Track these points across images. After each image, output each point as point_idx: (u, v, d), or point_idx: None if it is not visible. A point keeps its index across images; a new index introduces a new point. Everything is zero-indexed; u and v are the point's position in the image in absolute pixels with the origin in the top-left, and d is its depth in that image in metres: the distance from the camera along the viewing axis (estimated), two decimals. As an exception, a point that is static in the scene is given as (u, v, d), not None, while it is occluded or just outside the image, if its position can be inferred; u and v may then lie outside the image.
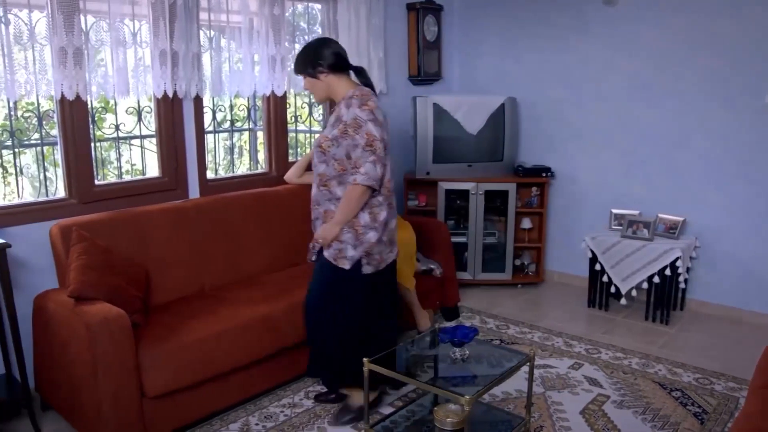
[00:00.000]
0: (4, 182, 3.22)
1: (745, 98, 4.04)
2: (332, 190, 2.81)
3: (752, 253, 4.18)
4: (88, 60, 3.14)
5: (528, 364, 2.71)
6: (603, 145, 4.72)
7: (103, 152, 3.61)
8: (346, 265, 2.79)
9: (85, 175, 3.29)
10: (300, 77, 2.94)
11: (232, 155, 4.20)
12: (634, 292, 4.29)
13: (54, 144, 3.29)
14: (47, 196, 3.28)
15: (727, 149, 4.17)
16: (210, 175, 3.90)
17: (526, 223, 4.92)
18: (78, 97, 3.11)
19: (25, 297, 2.99)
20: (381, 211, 2.80)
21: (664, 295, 4.18)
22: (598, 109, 4.70)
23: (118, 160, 3.63)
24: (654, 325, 4.21)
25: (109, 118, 3.54)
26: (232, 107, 4.08)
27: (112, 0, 3.18)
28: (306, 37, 4.27)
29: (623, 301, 4.33)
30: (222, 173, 4.10)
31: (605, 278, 4.37)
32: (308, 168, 3.64)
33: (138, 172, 3.72)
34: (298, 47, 4.18)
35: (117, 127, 3.52)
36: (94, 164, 3.36)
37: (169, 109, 3.57)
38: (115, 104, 3.51)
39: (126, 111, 3.56)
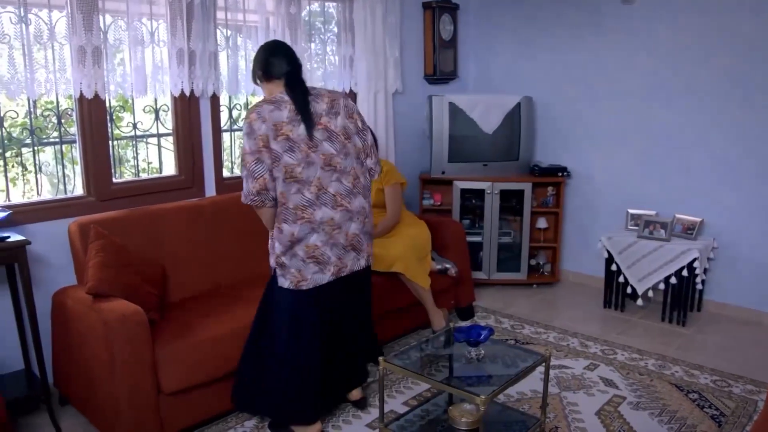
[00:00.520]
0: (23, 180, 3.25)
1: (764, 97, 4.00)
2: None
3: (771, 254, 4.13)
4: (106, 59, 3.17)
5: (543, 364, 2.70)
6: (619, 145, 4.69)
7: (120, 150, 3.64)
8: (271, 272, 2.74)
9: (103, 173, 3.32)
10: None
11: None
12: (650, 293, 4.26)
13: (72, 142, 3.32)
14: (66, 193, 3.32)
15: (745, 149, 4.12)
16: (225, 173, 3.92)
17: (542, 223, 4.90)
18: (96, 95, 3.14)
19: (44, 293, 3.03)
20: (285, 224, 2.58)
21: (681, 296, 4.14)
22: (615, 109, 4.67)
23: (135, 158, 3.66)
24: (671, 326, 4.18)
25: (127, 116, 3.57)
26: (248, 105, 4.10)
27: (130, -1, 3.22)
28: (322, 36, 4.28)
29: (639, 301, 4.29)
30: (237, 172, 4.11)
31: (621, 279, 4.34)
32: None
33: (155, 171, 3.75)
34: (314, 46, 4.20)
35: (134, 126, 3.55)
36: (112, 162, 3.39)
37: (186, 108, 3.59)
38: (133, 103, 3.54)
39: (143, 109, 3.59)
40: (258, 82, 2.76)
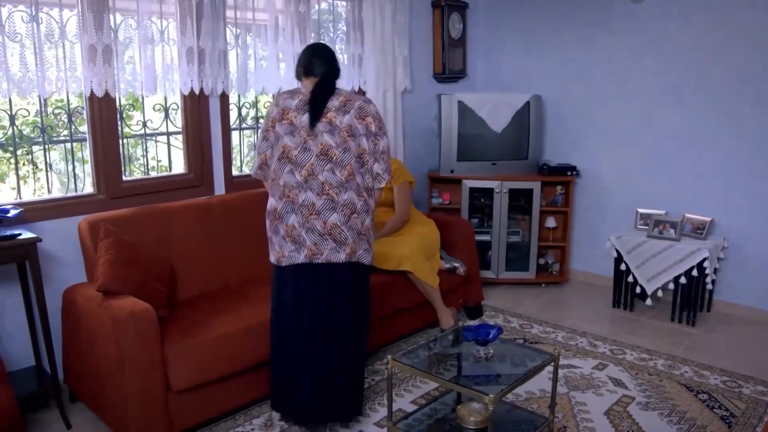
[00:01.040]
0: (34, 178, 3.27)
1: (777, 97, 3.98)
2: None
3: (782, 254, 4.11)
4: (116, 57, 3.18)
5: (552, 363, 2.69)
6: (629, 144, 4.67)
7: (130, 149, 3.66)
8: None
9: (113, 171, 3.34)
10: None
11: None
12: (659, 293, 4.24)
13: (83, 140, 3.34)
14: (75, 191, 3.33)
15: (756, 149, 4.09)
16: (234, 172, 3.93)
17: (551, 222, 4.88)
18: (107, 94, 3.16)
19: (54, 290, 3.05)
20: (272, 199, 2.80)
21: (691, 296, 4.12)
22: (624, 108, 4.65)
23: (145, 156, 3.67)
24: (680, 326, 4.16)
25: (137, 115, 3.58)
26: (256, 104, 4.11)
27: (140, -2, 3.23)
28: (331, 35, 4.28)
29: (649, 301, 4.28)
30: (246, 170, 4.12)
31: (630, 278, 4.32)
32: None
33: (164, 169, 3.76)
34: (323, 45, 4.20)
35: (144, 124, 3.56)
36: (122, 160, 3.41)
37: (195, 106, 3.60)
38: (143, 101, 3.55)
39: (153, 108, 3.61)
40: (299, 78, 2.90)
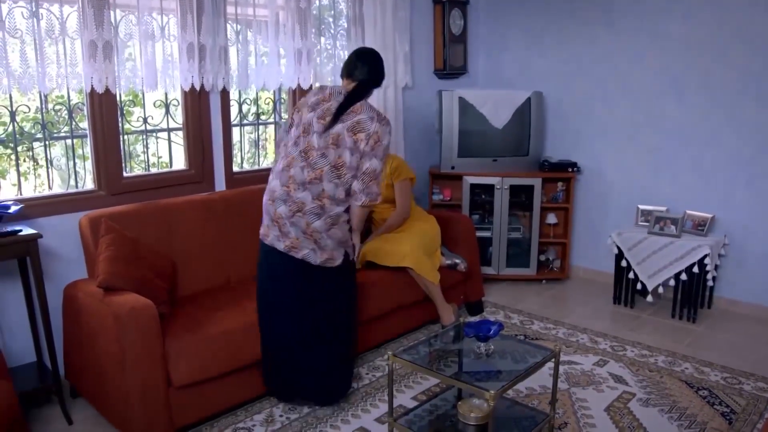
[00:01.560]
0: (35, 174, 3.27)
1: (779, 93, 3.97)
2: None
3: (783, 251, 4.10)
4: (117, 53, 3.18)
5: (553, 360, 2.69)
6: (630, 141, 4.66)
7: (130, 146, 3.66)
8: None
9: (113, 167, 3.34)
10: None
11: (257, 148, 4.22)
12: (660, 290, 4.24)
13: (83, 137, 3.33)
14: (76, 188, 3.33)
15: (758, 146, 4.09)
16: (235, 168, 3.93)
17: (552, 219, 4.88)
18: (107, 90, 3.15)
19: (55, 286, 3.05)
20: (270, 176, 2.95)
21: (692, 293, 4.12)
22: (626, 104, 4.64)
23: (145, 152, 3.67)
24: (681, 322, 4.16)
25: (137, 111, 3.58)
26: (257, 101, 4.11)
27: (141, -6, 3.22)
28: (332, 31, 4.27)
29: (649, 298, 4.27)
30: (246, 166, 4.12)
31: (631, 275, 4.32)
32: None
33: (164, 165, 3.76)
34: (323, 41, 4.19)
35: (145, 120, 3.56)
36: (123, 156, 3.41)
37: (196, 102, 3.60)
38: (143, 97, 3.55)
39: (154, 104, 3.60)
40: (341, 75, 3.03)
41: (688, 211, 4.30)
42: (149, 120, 3.57)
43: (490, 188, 4.74)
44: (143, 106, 3.57)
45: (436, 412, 2.81)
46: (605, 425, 2.91)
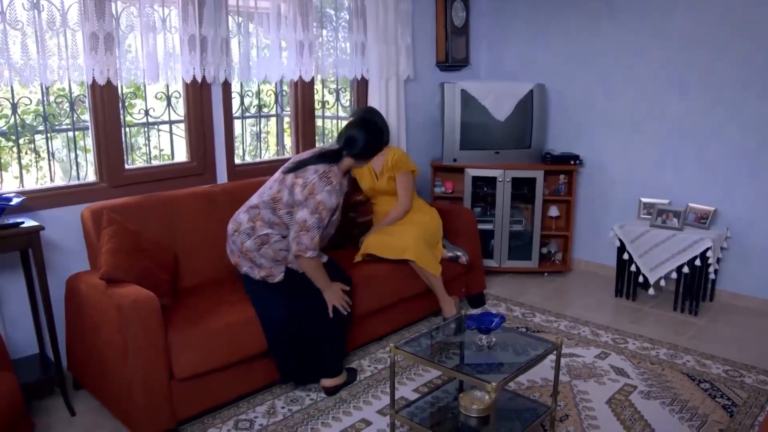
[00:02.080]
0: (36, 166, 3.27)
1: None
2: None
3: (786, 244, 4.09)
4: (118, 45, 3.17)
5: (554, 352, 2.69)
6: (633, 133, 4.65)
7: (131, 137, 3.65)
8: None
9: (115, 160, 3.33)
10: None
11: (259, 141, 4.22)
12: (662, 282, 4.24)
13: (85, 129, 3.33)
14: (78, 180, 3.33)
15: (761, 139, 4.07)
16: (237, 160, 3.93)
17: (554, 211, 4.88)
18: (109, 82, 3.15)
19: (57, 278, 3.06)
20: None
21: (694, 286, 4.12)
22: (628, 97, 4.63)
23: (147, 145, 3.67)
24: (683, 315, 4.16)
25: (139, 103, 3.58)
26: (259, 93, 4.10)
27: (142, -15, 3.21)
28: (334, 23, 4.25)
29: (651, 291, 4.27)
30: (248, 159, 4.12)
31: (633, 268, 4.31)
32: None
33: (166, 157, 3.76)
34: (325, 33, 4.18)
35: (146, 112, 3.56)
36: (125, 149, 3.40)
37: (197, 95, 3.59)
38: (145, 89, 3.54)
39: (155, 96, 3.60)
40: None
41: (691, 204, 4.29)
42: (151, 112, 3.57)
43: (492, 181, 4.73)
44: (145, 98, 3.56)
45: (437, 404, 2.81)
46: (606, 418, 2.91)
